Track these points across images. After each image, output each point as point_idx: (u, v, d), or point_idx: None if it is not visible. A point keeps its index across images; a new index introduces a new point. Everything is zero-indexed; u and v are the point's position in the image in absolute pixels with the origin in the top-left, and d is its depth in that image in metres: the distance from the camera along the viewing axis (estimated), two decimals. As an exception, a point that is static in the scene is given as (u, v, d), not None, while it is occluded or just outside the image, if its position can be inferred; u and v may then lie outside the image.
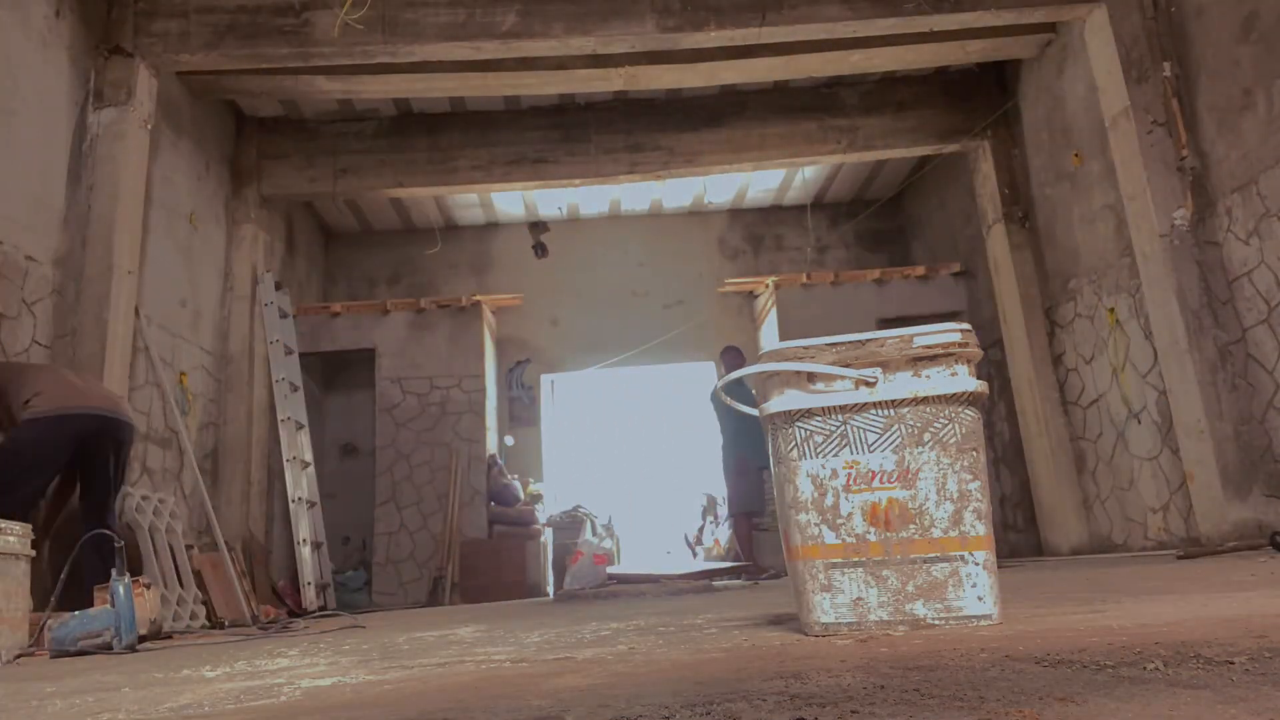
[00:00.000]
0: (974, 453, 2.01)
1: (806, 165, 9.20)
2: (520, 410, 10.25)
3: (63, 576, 3.68)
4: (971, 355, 2.06)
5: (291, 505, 7.78)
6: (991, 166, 7.89)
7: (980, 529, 1.97)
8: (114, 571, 3.49)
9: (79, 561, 3.91)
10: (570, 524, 8.59)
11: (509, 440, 9.91)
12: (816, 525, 2.04)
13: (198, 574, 5.99)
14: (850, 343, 2.10)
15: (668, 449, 11.34)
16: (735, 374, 2.49)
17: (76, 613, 3.53)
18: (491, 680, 1.67)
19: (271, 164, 8.08)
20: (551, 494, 9.87)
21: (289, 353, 8.20)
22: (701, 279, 10.59)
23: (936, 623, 1.95)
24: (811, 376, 2.11)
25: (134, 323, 5.90)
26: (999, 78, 8.03)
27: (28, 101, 5.20)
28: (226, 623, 5.57)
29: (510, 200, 10.09)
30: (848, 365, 2.08)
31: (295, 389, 8.22)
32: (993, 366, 8.22)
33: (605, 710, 1.20)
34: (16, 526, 3.61)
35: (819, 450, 2.06)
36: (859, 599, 1.99)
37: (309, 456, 8.22)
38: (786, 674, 1.42)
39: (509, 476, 9.07)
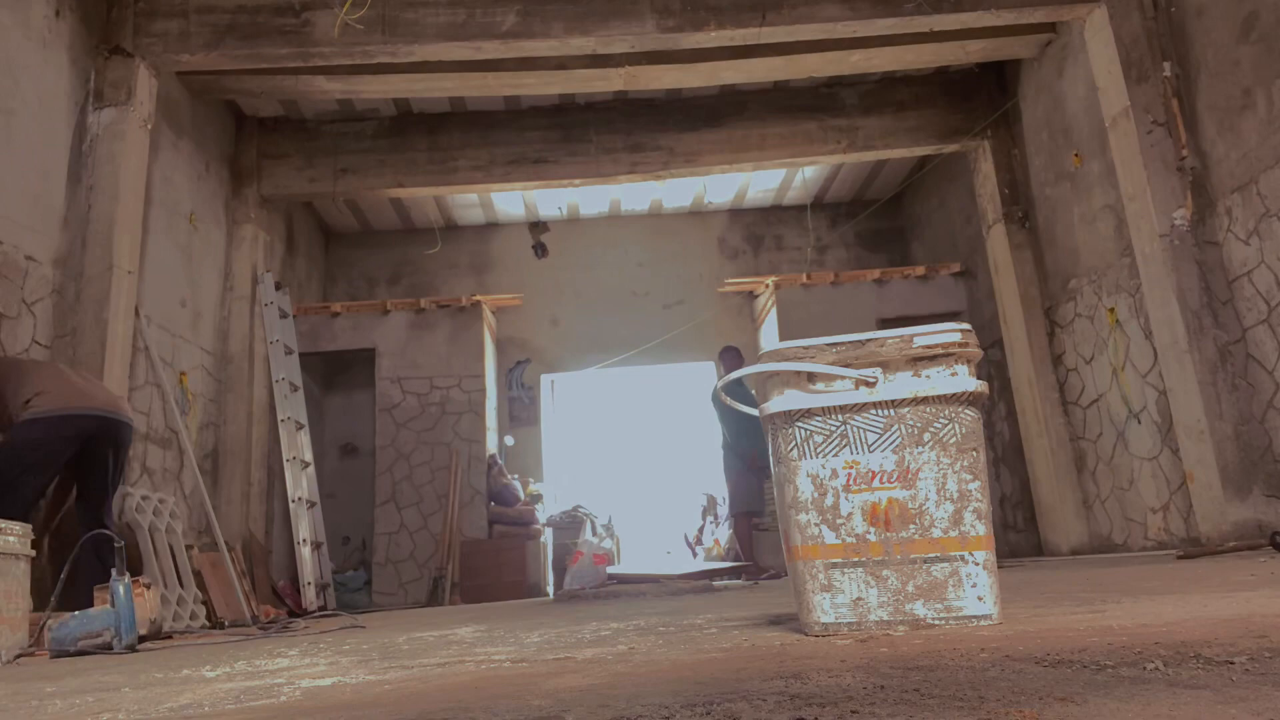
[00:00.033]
0: (974, 453, 2.01)
1: (806, 165, 9.20)
2: (520, 410, 10.25)
3: (62, 576, 3.68)
4: (971, 355, 2.06)
5: (291, 505, 7.78)
6: (991, 166, 7.89)
7: (980, 529, 1.97)
8: (114, 571, 3.49)
9: (79, 561, 3.91)
10: (570, 524, 8.59)
11: (509, 440, 9.91)
12: (816, 525, 2.04)
13: (198, 574, 5.99)
14: (850, 343, 2.10)
15: (668, 449, 11.35)
16: (735, 374, 2.49)
17: (76, 613, 3.53)
18: (491, 680, 1.67)
19: (271, 164, 8.08)
20: (551, 494, 9.87)
21: (289, 353, 8.20)
22: (701, 279, 10.59)
23: (936, 623, 1.95)
24: (811, 376, 2.11)
25: (134, 323, 5.90)
26: (999, 78, 8.03)
27: (28, 101, 5.20)
28: (226, 623, 5.57)
29: (510, 200, 10.09)
30: (848, 365, 2.08)
31: (295, 389, 8.22)
32: (993, 366, 8.22)
33: (605, 710, 1.20)
34: (16, 526, 3.61)
35: (819, 450, 2.06)
36: (859, 599, 1.99)
37: (309, 456, 8.22)
38: (786, 674, 1.42)
39: (509, 476, 9.07)
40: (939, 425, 2.02)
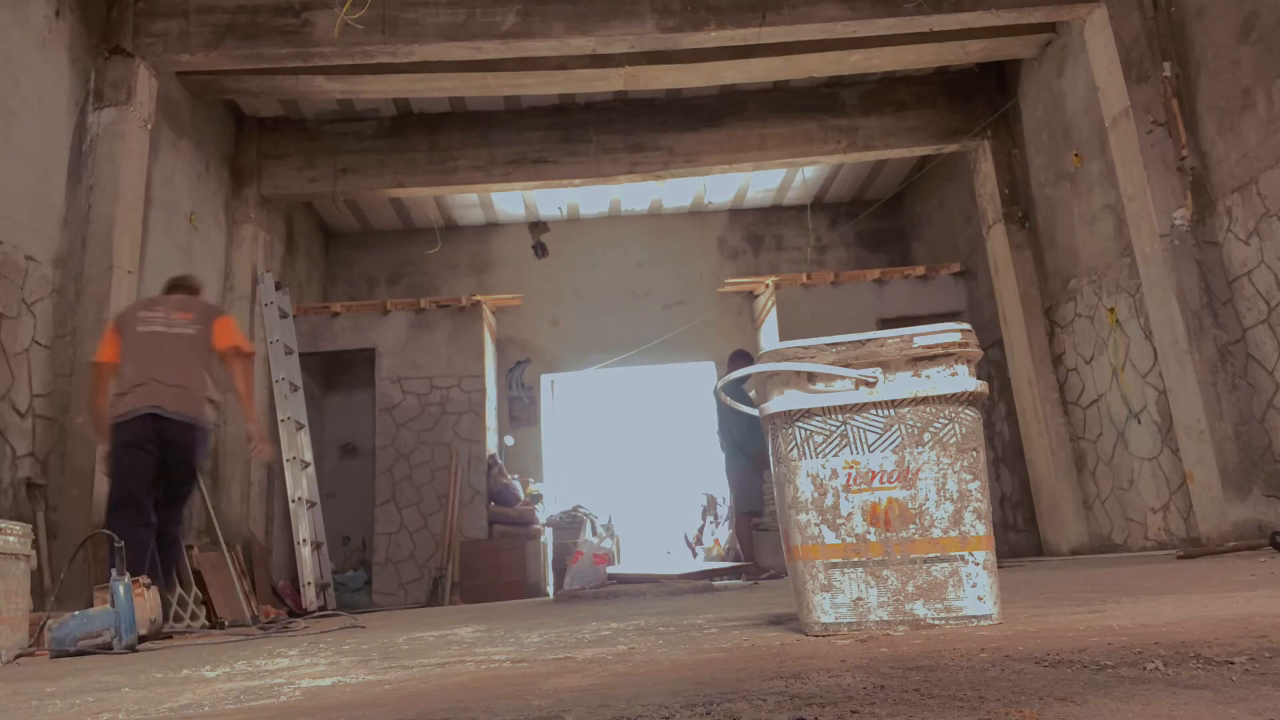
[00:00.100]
0: (974, 453, 2.01)
1: (806, 165, 9.20)
2: (520, 410, 10.25)
3: (61, 576, 3.68)
4: (971, 355, 2.06)
5: (291, 505, 7.78)
6: (991, 166, 7.89)
7: (980, 529, 1.97)
8: (113, 571, 3.49)
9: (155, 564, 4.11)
10: (570, 524, 8.59)
11: (509, 440, 9.91)
12: (816, 525, 2.04)
13: (198, 574, 5.99)
14: (850, 343, 2.10)
15: (668, 449, 11.35)
16: (736, 374, 2.49)
17: (76, 613, 3.54)
18: (491, 680, 1.67)
19: (271, 164, 8.09)
20: (551, 494, 9.87)
21: (289, 353, 8.20)
22: (701, 279, 10.59)
23: (936, 623, 1.95)
24: (811, 376, 2.11)
25: (134, 323, 5.89)
26: (999, 78, 8.03)
27: (28, 101, 5.20)
28: (226, 623, 5.56)
29: (510, 200, 10.09)
30: (848, 365, 2.08)
31: (295, 389, 8.22)
32: (993, 366, 8.22)
33: (605, 710, 1.20)
34: (16, 526, 3.61)
35: (819, 450, 2.06)
36: (859, 599, 1.99)
37: (309, 456, 8.22)
38: (786, 674, 1.42)
39: (509, 476, 9.07)
40: (939, 425, 2.02)
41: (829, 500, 2.04)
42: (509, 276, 10.56)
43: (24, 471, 4.98)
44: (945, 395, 2.02)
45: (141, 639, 3.60)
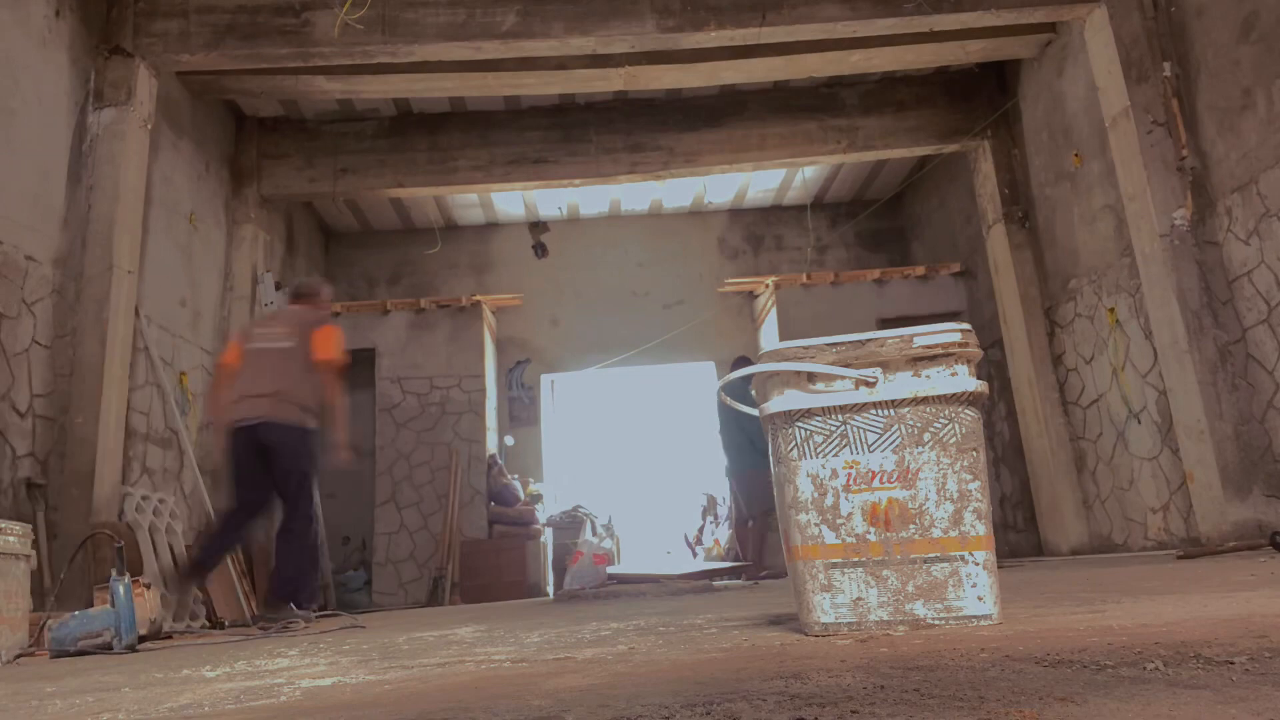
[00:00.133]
0: (974, 453, 2.01)
1: (806, 165, 9.19)
2: (520, 410, 10.25)
3: (61, 576, 3.68)
4: (971, 355, 2.06)
5: (291, 505, 7.76)
6: (991, 166, 7.89)
7: (980, 529, 1.97)
8: (113, 571, 3.49)
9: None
10: (570, 524, 8.59)
11: (509, 440, 9.91)
12: (816, 525, 2.04)
13: (198, 574, 5.97)
14: (850, 343, 2.10)
15: (668, 449, 11.35)
16: (736, 373, 2.49)
17: (76, 613, 3.54)
18: (491, 680, 1.67)
19: (271, 164, 8.08)
20: (551, 494, 9.87)
21: (289, 353, 8.18)
22: (701, 279, 10.59)
23: (936, 623, 1.95)
24: (811, 376, 2.11)
25: (134, 323, 5.90)
26: (999, 78, 8.03)
27: (28, 101, 5.20)
28: (226, 623, 5.57)
29: (510, 200, 10.09)
30: (848, 365, 2.08)
31: (295, 389, 8.20)
32: (993, 366, 8.22)
33: (605, 710, 1.20)
34: (16, 526, 3.61)
35: (819, 450, 2.06)
36: (859, 599, 1.99)
37: (309, 456, 8.20)
38: (786, 674, 1.42)
39: (509, 476, 9.07)
40: (939, 425, 2.02)
41: (829, 500, 2.04)
42: (509, 276, 10.56)
43: (24, 471, 4.98)
44: (945, 395, 2.02)
45: (141, 639, 3.60)
